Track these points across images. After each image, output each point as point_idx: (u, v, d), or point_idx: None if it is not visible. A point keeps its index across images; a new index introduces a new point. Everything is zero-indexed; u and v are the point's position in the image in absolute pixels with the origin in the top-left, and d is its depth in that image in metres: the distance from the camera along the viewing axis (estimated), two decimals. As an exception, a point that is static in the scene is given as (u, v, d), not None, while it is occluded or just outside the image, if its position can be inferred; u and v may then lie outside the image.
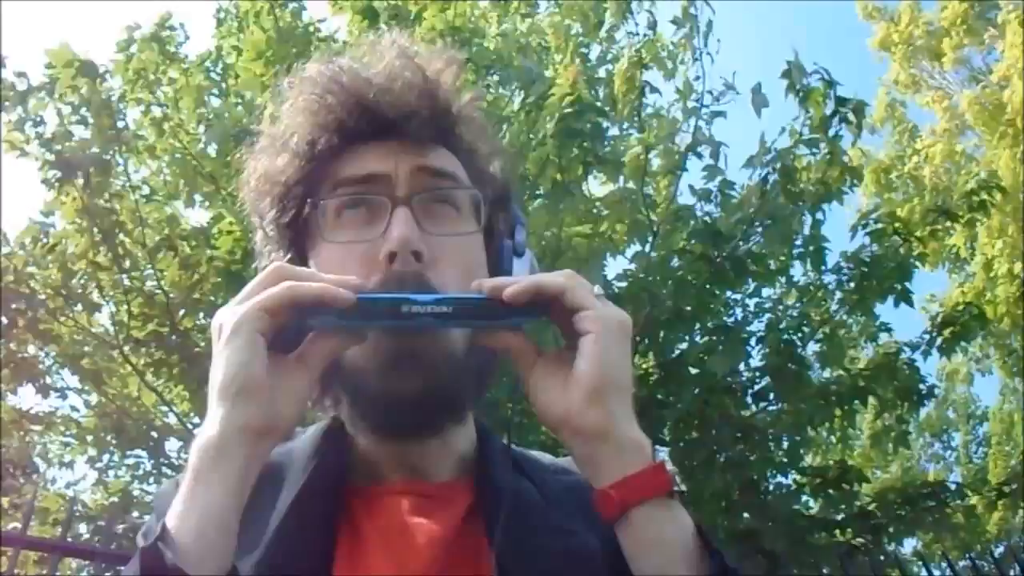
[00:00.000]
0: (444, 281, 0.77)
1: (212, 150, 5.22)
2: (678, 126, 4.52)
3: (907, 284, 4.23)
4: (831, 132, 4.19)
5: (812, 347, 4.54)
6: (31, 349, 5.49)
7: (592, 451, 0.69)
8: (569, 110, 3.92)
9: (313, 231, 0.83)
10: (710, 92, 4.31)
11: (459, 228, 0.83)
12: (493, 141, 0.94)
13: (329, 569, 0.73)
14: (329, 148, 0.83)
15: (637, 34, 4.65)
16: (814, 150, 4.30)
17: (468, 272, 0.80)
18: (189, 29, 5.37)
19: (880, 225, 4.40)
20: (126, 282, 5.05)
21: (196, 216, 5.51)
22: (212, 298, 4.78)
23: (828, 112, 4.14)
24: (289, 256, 0.84)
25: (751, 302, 4.75)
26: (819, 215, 4.32)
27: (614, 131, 4.66)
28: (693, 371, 4.21)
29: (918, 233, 4.47)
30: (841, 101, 4.12)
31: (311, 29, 4.96)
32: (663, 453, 0.80)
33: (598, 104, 4.25)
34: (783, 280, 4.73)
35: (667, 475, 0.68)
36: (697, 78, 4.45)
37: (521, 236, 0.89)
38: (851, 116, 4.14)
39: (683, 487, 0.69)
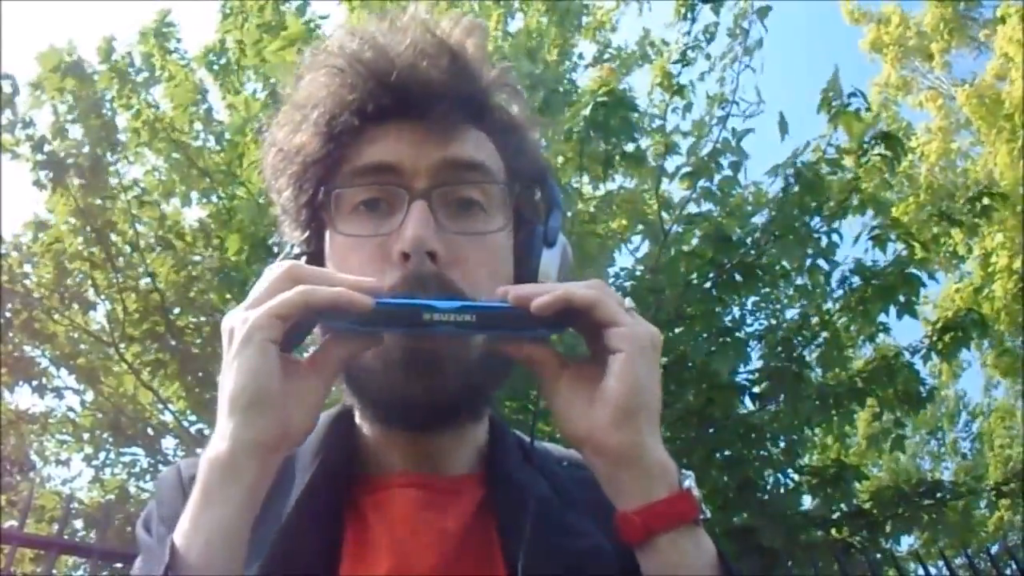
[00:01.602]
0: (468, 282, 0.74)
1: (210, 147, 5.22)
2: (706, 131, 4.48)
3: (913, 297, 4.23)
4: (863, 160, 4.17)
5: (812, 349, 4.54)
6: (27, 349, 5.49)
7: (616, 473, 0.67)
8: (603, 98, 3.87)
9: (328, 219, 0.79)
10: (736, 102, 4.28)
11: (485, 223, 0.78)
12: (529, 114, 0.89)
13: (337, 568, 0.72)
14: (350, 128, 0.78)
15: (689, 33, 4.57)
16: (835, 169, 4.29)
17: (493, 272, 0.77)
18: (183, 26, 5.40)
19: (882, 231, 4.39)
20: (120, 280, 5.04)
21: (193, 214, 5.49)
22: (207, 296, 4.78)
23: (864, 140, 4.14)
24: (307, 235, 0.81)
25: (749, 301, 4.76)
26: (835, 236, 4.29)
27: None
28: (694, 370, 4.21)
29: (922, 239, 4.47)
30: (878, 137, 4.13)
31: (312, 26, 4.96)
32: (689, 478, 0.78)
33: (629, 99, 4.18)
34: (785, 285, 4.73)
35: (693, 502, 0.66)
36: (732, 90, 4.39)
37: (556, 220, 0.83)
38: (885, 149, 4.14)
39: (707, 513, 0.67)
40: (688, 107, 4.57)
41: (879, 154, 4.15)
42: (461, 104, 0.79)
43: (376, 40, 0.79)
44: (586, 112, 3.90)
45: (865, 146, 4.18)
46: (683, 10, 4.55)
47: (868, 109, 4.17)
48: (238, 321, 0.66)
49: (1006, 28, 9.73)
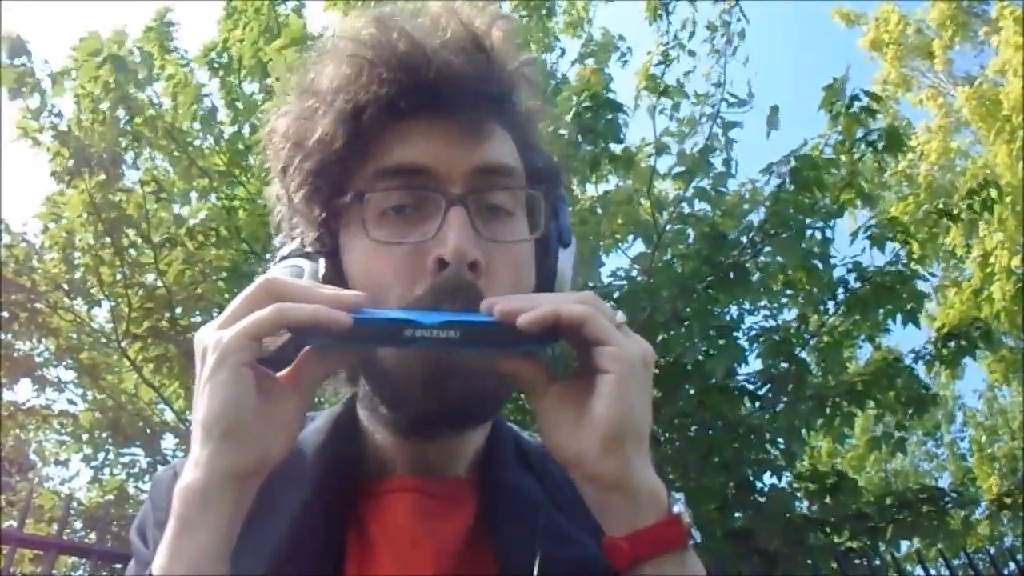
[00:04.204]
0: (495, 291, 0.70)
1: (209, 146, 5.22)
2: (695, 129, 4.47)
3: (915, 304, 4.25)
4: (856, 155, 4.19)
5: (810, 351, 4.54)
6: (28, 343, 5.49)
7: (605, 499, 0.65)
8: (587, 104, 3.88)
9: (351, 220, 0.75)
10: (725, 99, 4.27)
11: (512, 227, 0.76)
12: (542, 106, 0.85)
13: (340, 572, 0.72)
14: (378, 123, 0.74)
15: (667, 32, 4.54)
16: (833, 170, 4.28)
17: (519, 281, 0.75)
18: (183, 25, 5.40)
19: (879, 230, 4.40)
20: (127, 275, 5.03)
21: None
22: (212, 295, 4.78)
23: (859, 136, 4.15)
24: (319, 234, 0.77)
25: (747, 302, 4.76)
26: (828, 232, 4.31)
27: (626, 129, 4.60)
28: (690, 371, 4.21)
29: (919, 236, 4.48)
30: (874, 133, 4.16)
31: (306, 28, 4.97)
32: (679, 503, 0.75)
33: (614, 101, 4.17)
34: (782, 284, 4.73)
35: (683, 528, 0.65)
36: (719, 84, 4.41)
37: (567, 218, 0.82)
38: (880, 144, 4.16)
39: (697, 537, 0.66)
40: (676, 107, 4.56)
41: (874, 148, 4.17)
42: (489, 101, 0.76)
43: (407, 31, 0.75)
44: (568, 117, 3.90)
45: (859, 142, 4.19)
46: (656, 9, 4.53)
47: (872, 111, 4.15)
48: (211, 341, 0.64)
49: (1004, 31, 9.71)
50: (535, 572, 0.70)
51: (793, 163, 4.16)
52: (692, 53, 4.66)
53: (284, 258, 0.78)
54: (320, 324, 0.63)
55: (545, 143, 0.86)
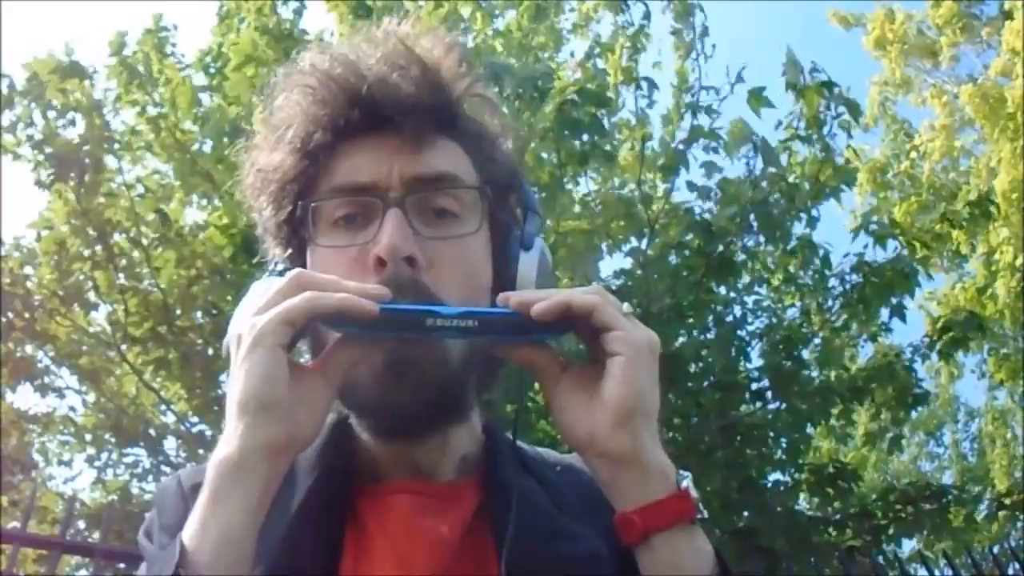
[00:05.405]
0: (443, 287, 0.75)
1: (208, 148, 5.21)
2: (676, 122, 4.50)
3: (904, 299, 4.28)
4: (825, 130, 4.20)
5: (811, 348, 4.54)
6: (28, 349, 5.49)
7: (617, 475, 0.69)
8: (572, 97, 3.89)
9: (308, 235, 0.82)
10: (705, 89, 4.29)
11: (459, 228, 0.80)
12: (501, 121, 0.91)
13: (336, 571, 0.73)
14: (324, 145, 0.80)
15: (632, 23, 4.57)
16: (810, 145, 4.31)
17: (469, 275, 0.79)
18: (185, 27, 5.40)
19: (881, 230, 4.41)
20: (122, 280, 5.04)
21: (193, 215, 5.49)
22: (209, 296, 4.78)
23: (822, 109, 4.16)
24: (289, 252, 0.84)
25: (750, 300, 4.76)
26: (814, 212, 4.32)
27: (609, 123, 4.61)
28: (691, 370, 4.20)
29: (923, 239, 4.50)
30: (835, 98, 4.14)
31: (303, 28, 4.97)
32: (687, 479, 0.80)
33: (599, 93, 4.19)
34: (783, 280, 4.73)
35: (691, 503, 0.68)
36: (693, 73, 4.44)
37: (532, 224, 0.85)
38: (845, 115, 4.16)
39: (704, 513, 0.69)
40: (651, 93, 4.59)
41: (837, 116, 4.20)
42: (432, 115, 0.81)
43: (347, 56, 0.81)
44: (549, 109, 3.92)
45: (826, 113, 4.21)
46: (616, 2, 4.56)
47: (828, 84, 4.16)
48: (246, 327, 0.67)
49: (1013, 24, 9.66)
50: (536, 568, 0.72)
51: (755, 140, 4.19)
52: (648, 35, 4.68)
53: (268, 276, 0.83)
54: (350, 312, 0.67)
55: (511, 155, 0.91)
